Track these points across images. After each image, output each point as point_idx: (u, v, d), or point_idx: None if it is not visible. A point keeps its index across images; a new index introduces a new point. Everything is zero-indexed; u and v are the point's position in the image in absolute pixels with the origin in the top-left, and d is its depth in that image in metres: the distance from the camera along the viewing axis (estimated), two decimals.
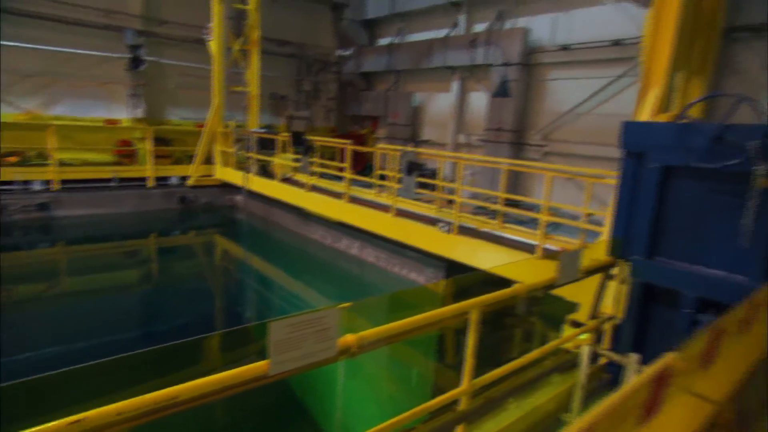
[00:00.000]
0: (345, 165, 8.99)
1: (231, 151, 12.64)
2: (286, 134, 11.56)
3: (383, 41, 15.91)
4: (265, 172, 11.72)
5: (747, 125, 2.75)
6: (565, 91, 10.59)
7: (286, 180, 11.05)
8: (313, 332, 1.71)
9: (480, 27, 12.41)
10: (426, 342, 5.78)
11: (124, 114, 13.00)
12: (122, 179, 11.95)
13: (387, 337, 2.05)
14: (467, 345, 2.53)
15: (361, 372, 5.54)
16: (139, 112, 12.98)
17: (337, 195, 9.24)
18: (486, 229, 7.00)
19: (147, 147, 12.19)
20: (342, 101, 17.24)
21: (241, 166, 12.25)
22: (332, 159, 12.19)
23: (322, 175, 10.68)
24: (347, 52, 16.30)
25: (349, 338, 1.86)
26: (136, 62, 12.50)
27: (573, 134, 10.45)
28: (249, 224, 12.84)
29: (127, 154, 12.70)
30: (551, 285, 2.85)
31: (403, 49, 14.49)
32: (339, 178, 9.90)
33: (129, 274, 9.73)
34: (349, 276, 9.48)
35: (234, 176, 12.42)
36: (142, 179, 12.18)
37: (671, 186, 3.23)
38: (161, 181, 12.51)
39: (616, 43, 9.44)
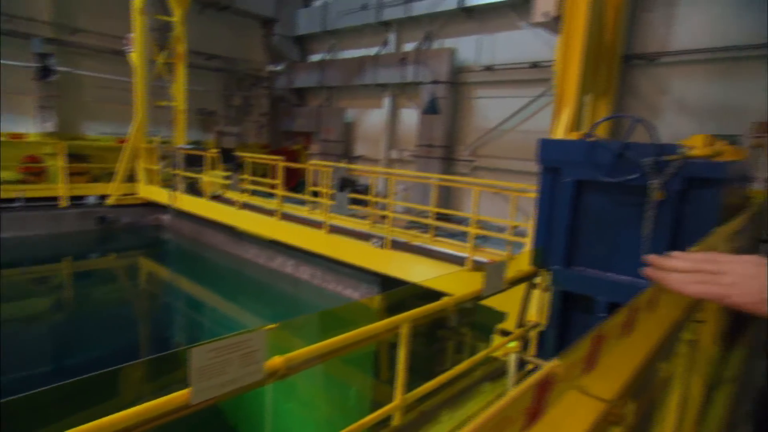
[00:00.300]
0: (277, 182, 8.84)
1: (156, 169, 12.02)
2: (215, 150, 11.20)
3: (315, 57, 15.95)
4: (194, 189, 11.24)
5: (642, 144, 3.06)
6: (490, 109, 11.16)
7: (216, 198, 10.66)
8: (239, 356, 1.66)
9: (409, 46, 12.82)
10: (362, 358, 5.75)
11: (31, 128, 11.97)
12: (29, 199, 10.95)
13: (317, 357, 2.02)
14: (399, 359, 2.56)
15: (296, 393, 5.40)
16: (50, 126, 12.00)
17: (269, 212, 9.04)
18: (418, 243, 7.15)
19: (59, 164, 11.29)
20: (274, 117, 16.99)
21: (168, 183, 11.67)
22: (265, 175, 11.95)
23: (254, 193, 10.42)
24: (279, 68, 16.14)
25: (277, 360, 1.81)
26: (45, 72, 11.58)
27: (499, 150, 11.00)
28: (177, 245, 12.20)
29: (35, 171, 11.66)
30: (478, 296, 2.96)
31: (335, 66, 14.60)
32: (271, 195, 9.72)
33: (38, 302, 8.86)
34: (284, 295, 9.26)
35: (159, 195, 11.79)
36: (54, 199, 11.24)
37: (583, 199, 3.47)
38: (76, 200, 11.59)
39: (535, 65, 10.12)
